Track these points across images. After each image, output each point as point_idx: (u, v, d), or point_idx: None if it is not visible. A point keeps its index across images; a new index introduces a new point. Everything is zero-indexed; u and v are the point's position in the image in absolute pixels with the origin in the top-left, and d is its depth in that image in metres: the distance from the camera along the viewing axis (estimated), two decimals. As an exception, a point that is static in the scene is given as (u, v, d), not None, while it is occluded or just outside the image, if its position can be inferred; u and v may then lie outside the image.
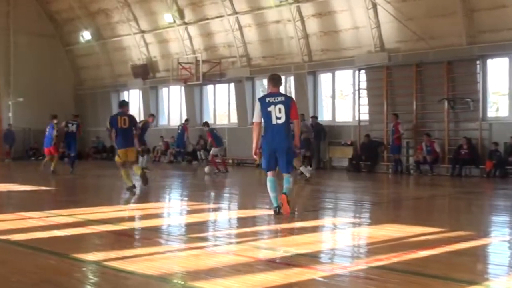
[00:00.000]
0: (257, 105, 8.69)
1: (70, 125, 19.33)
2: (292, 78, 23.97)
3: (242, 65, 24.99)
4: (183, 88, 27.74)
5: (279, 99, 8.62)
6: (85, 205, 10.08)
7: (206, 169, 19.43)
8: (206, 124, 20.71)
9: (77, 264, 5.56)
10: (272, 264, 5.51)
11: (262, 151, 8.81)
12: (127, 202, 11.53)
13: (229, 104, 26.87)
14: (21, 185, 14.14)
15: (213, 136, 19.57)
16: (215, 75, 25.90)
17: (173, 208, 10.94)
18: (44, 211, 9.27)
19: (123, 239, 7.08)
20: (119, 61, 30.59)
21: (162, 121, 29.35)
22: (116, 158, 13.07)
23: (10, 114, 31.03)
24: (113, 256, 5.82)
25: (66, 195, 12.56)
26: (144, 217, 9.32)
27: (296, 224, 8.37)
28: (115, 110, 31.15)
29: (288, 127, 8.63)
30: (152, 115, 21.38)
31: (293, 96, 23.89)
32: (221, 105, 27.78)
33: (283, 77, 24.25)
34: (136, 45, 28.98)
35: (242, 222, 8.64)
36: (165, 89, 29.38)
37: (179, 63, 26.36)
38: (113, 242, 6.78)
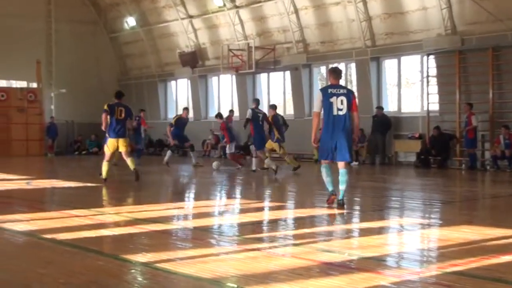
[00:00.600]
0: (319, 96, 9.51)
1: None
2: (353, 65, 23.75)
3: (298, 51, 24.92)
4: (234, 77, 27.88)
5: (341, 91, 9.51)
6: (132, 203, 10.28)
7: (214, 164, 19.27)
8: (219, 115, 20.72)
9: (126, 266, 5.67)
10: (336, 268, 5.48)
11: (321, 141, 9.59)
12: (177, 199, 11.69)
13: (284, 93, 26.86)
14: (65, 181, 14.52)
15: (227, 129, 19.64)
16: (269, 63, 25.91)
17: (226, 207, 11.02)
18: (90, 209, 9.49)
19: (173, 239, 7.18)
20: (166, 49, 30.99)
21: (212, 113, 29.55)
22: (105, 148, 14.09)
23: (52, 107, 31.93)
24: (164, 257, 5.91)
25: (113, 192, 12.82)
26: (195, 215, 9.43)
27: (360, 225, 8.30)
28: (162, 101, 31.74)
29: (348, 119, 9.47)
30: (186, 108, 21.80)
31: (354, 84, 23.71)
32: (275, 95, 27.80)
33: (343, 64, 24.28)
34: (183, 31, 29.29)
35: (301, 222, 8.63)
36: (215, 78, 29.60)
37: (229, 50, 26.50)
38: (163, 242, 6.89)
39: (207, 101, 29.70)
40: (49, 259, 5.99)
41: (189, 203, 11.54)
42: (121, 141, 13.97)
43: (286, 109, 26.80)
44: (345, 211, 9.00)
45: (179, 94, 31.89)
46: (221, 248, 6.55)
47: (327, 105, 9.38)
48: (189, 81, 30.33)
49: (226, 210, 10.50)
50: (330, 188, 9.64)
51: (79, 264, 5.76)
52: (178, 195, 13.02)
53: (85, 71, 32.17)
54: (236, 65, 26.37)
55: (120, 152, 19.37)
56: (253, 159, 16.90)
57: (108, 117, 13.89)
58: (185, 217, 9.43)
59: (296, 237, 7.28)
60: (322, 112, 9.44)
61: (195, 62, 29.15)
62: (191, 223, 8.60)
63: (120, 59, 33.79)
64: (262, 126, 17.33)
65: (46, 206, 10.62)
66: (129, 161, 14.21)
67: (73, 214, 8.97)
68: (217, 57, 27.96)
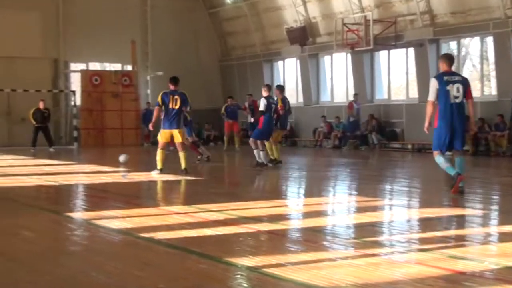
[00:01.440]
0: (434, 83, 10.42)
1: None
2: (490, 39, 22.94)
3: (423, 25, 24.34)
4: (349, 55, 27.65)
5: (457, 78, 10.50)
6: (238, 199, 10.42)
7: (121, 158, 18.17)
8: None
9: (231, 270, 5.77)
10: (473, 278, 5.33)
11: (437, 131, 10.43)
12: (285, 196, 11.77)
13: (407, 74, 26.36)
14: (163, 174, 14.94)
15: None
16: (389, 38, 25.49)
17: (341, 205, 10.97)
18: (191, 205, 9.72)
19: (283, 241, 7.23)
20: (271, 25, 31.14)
21: (325, 97, 29.49)
22: (158, 137, 14.95)
23: (148, 91, 32.89)
24: (273, 261, 5.95)
25: (216, 187, 13.06)
26: (307, 214, 9.44)
27: (500, 228, 8.04)
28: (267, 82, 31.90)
29: (464, 107, 10.44)
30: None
31: (491, 62, 22.89)
32: (397, 76, 27.33)
33: (477, 38, 23.50)
34: (291, 4, 29.32)
35: (428, 223, 8.46)
36: (327, 57, 29.47)
37: (344, 24, 26.27)
38: (272, 244, 6.95)
39: (318, 83, 29.58)
40: (147, 260, 6.18)
41: (299, 200, 11.58)
42: (176, 132, 14.63)
43: (409, 92, 26.26)
44: (482, 211, 8.73)
45: (286, 76, 31.94)
46: (337, 252, 6.52)
47: (443, 93, 10.26)
48: (298, 60, 30.36)
49: (341, 208, 10.46)
50: (452, 172, 10.40)
51: (179, 267, 5.92)
52: (287, 191, 13.09)
53: (183, 51, 32.87)
54: (351, 42, 26.10)
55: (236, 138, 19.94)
56: (260, 152, 16.46)
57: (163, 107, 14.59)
58: (296, 216, 9.47)
59: (423, 241, 7.14)
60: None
61: (304, 39, 29.11)
62: (302, 223, 8.63)
63: (220, 37, 34.31)
64: (273, 116, 17.08)
65: (143, 202, 10.97)
66: (182, 156, 14.71)
67: (172, 211, 9.22)
68: (330, 33, 27.77)
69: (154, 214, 9.01)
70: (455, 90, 10.24)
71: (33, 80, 29.01)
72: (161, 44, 32.51)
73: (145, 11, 32.61)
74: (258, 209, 9.41)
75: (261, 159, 16.34)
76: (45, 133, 27.00)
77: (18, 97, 29.20)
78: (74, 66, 32.02)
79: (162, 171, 14.63)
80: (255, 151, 16.47)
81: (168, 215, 8.87)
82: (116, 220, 8.47)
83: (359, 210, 10.04)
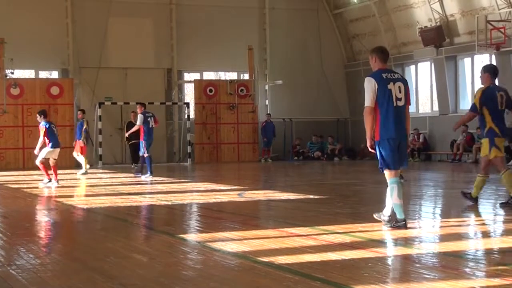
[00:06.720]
0: None
1: None
2: None
3: None
4: (493, 56, 26.92)
5: None
6: (365, 220, 10.34)
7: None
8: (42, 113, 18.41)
9: (359, 299, 5.73)
10: None
11: None
12: (420, 216, 11.57)
13: (562, 76, 25.36)
14: (283, 192, 15.04)
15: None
16: (541, 36, 24.65)
17: (485, 226, 10.67)
18: (314, 226, 9.72)
19: (417, 266, 7.11)
20: (403, 25, 30.84)
21: (464, 105, 28.80)
22: (494, 153, 11.53)
23: (267, 102, 33.20)
24: (406, 290, 5.89)
25: (341, 207, 13.01)
26: (444, 237, 9.24)
27: None
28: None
29: None
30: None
31: None
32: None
33: None
34: (425, 1, 28.92)
35: None
36: (467, 60, 28.89)
37: (488, 21, 25.65)
38: (404, 270, 6.87)
39: (456, 89, 28.96)
40: (267, 287, 6.22)
41: (435, 221, 11.35)
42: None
43: None
44: None
45: (420, 82, 31.55)
46: (480, 281, 6.38)
47: None
48: (432, 64, 29.85)
49: (485, 230, 10.18)
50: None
51: (302, 295, 5.93)
52: (420, 211, 12.86)
53: (304, 57, 33.04)
54: (496, 42, 25.45)
55: None
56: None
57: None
58: (431, 239, 9.29)
59: None
60: None
61: (440, 39, 28.61)
62: (439, 247, 8.46)
63: (346, 41, 34.23)
64: None
65: (261, 223, 11.07)
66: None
67: (293, 233, 9.25)
68: (470, 32, 27.18)
69: (273, 236, 9.08)
70: None
71: (146, 92, 29.86)
72: (281, 50, 32.81)
73: (263, 14, 32.97)
74: (390, 231, 9.29)
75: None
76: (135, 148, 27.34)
77: (131, 111, 29.91)
78: (187, 76, 32.78)
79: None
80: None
81: (288, 238, 8.91)
82: (232, 242, 8.58)
83: (508, 232, 9.71)
